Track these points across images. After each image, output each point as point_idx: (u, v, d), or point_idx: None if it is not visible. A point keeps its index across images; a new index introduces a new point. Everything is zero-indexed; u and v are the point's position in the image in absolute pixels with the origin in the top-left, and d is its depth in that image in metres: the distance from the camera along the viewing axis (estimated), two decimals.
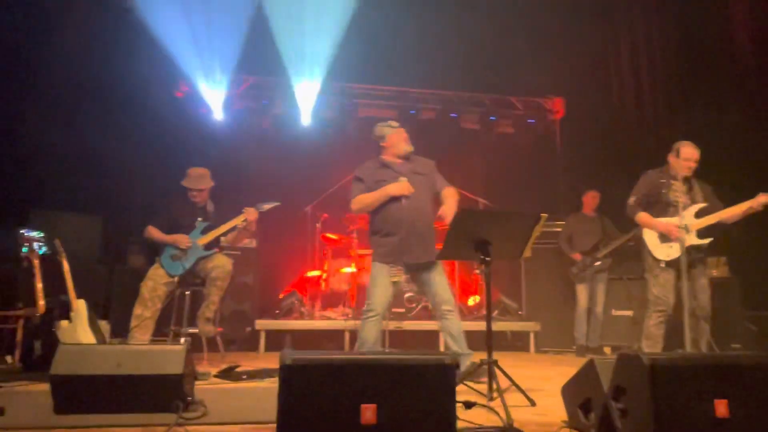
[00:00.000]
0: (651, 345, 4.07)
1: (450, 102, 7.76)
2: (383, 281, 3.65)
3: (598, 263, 5.70)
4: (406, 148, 3.83)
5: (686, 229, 3.89)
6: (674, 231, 3.91)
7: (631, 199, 4.22)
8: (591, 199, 6.02)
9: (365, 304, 3.69)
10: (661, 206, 4.07)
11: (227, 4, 6.68)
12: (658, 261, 4.05)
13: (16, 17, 5.51)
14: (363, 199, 3.76)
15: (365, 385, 1.88)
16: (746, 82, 6.01)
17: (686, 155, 3.97)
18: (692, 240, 3.94)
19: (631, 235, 5.37)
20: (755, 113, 5.82)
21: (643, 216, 4.13)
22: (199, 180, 4.50)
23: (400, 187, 3.66)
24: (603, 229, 5.84)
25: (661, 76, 6.97)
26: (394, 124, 3.93)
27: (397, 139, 3.84)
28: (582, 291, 5.78)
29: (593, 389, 2.29)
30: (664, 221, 4.04)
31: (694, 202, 4.07)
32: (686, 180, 4.07)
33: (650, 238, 4.12)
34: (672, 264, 3.99)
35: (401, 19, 6.45)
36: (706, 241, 3.99)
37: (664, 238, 4.04)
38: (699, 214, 4.03)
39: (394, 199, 3.68)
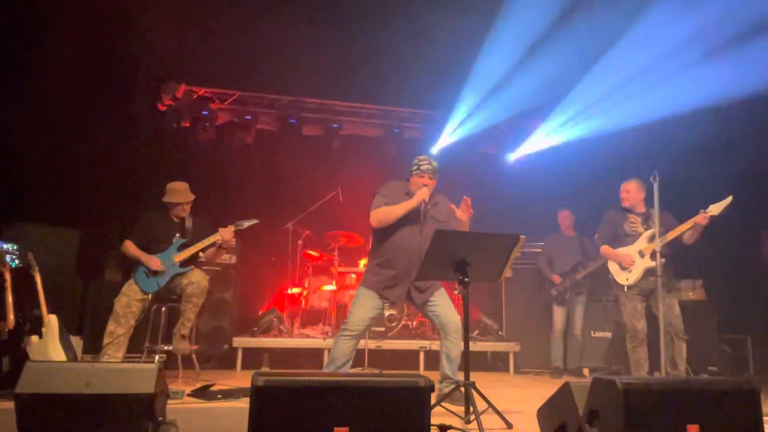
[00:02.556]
0: (634, 368, 4.31)
1: (433, 121, 7.82)
2: (367, 303, 3.61)
3: (583, 281, 5.71)
4: (421, 195, 3.61)
5: (641, 254, 4.31)
6: (626, 259, 4.33)
7: (596, 236, 4.70)
8: (564, 219, 6.06)
9: (344, 322, 3.64)
10: (621, 238, 4.46)
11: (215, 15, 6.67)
12: (621, 287, 4.38)
13: None
14: (383, 211, 3.61)
15: (338, 408, 1.86)
16: None
17: (621, 189, 4.50)
18: (646, 263, 4.24)
19: None
20: None
21: (604, 249, 4.54)
22: (186, 193, 4.50)
23: (418, 195, 3.58)
24: (582, 249, 5.86)
25: None
26: (424, 166, 3.72)
27: (415, 183, 3.73)
28: (558, 313, 5.77)
29: (568, 413, 2.29)
30: (621, 251, 4.42)
31: (649, 229, 4.36)
32: (641, 212, 4.44)
33: (613, 266, 4.49)
34: (634, 288, 4.31)
35: (386, 38, 6.51)
36: (654, 263, 4.11)
37: (623, 265, 4.40)
38: (652, 239, 4.25)
39: (407, 230, 3.61)
